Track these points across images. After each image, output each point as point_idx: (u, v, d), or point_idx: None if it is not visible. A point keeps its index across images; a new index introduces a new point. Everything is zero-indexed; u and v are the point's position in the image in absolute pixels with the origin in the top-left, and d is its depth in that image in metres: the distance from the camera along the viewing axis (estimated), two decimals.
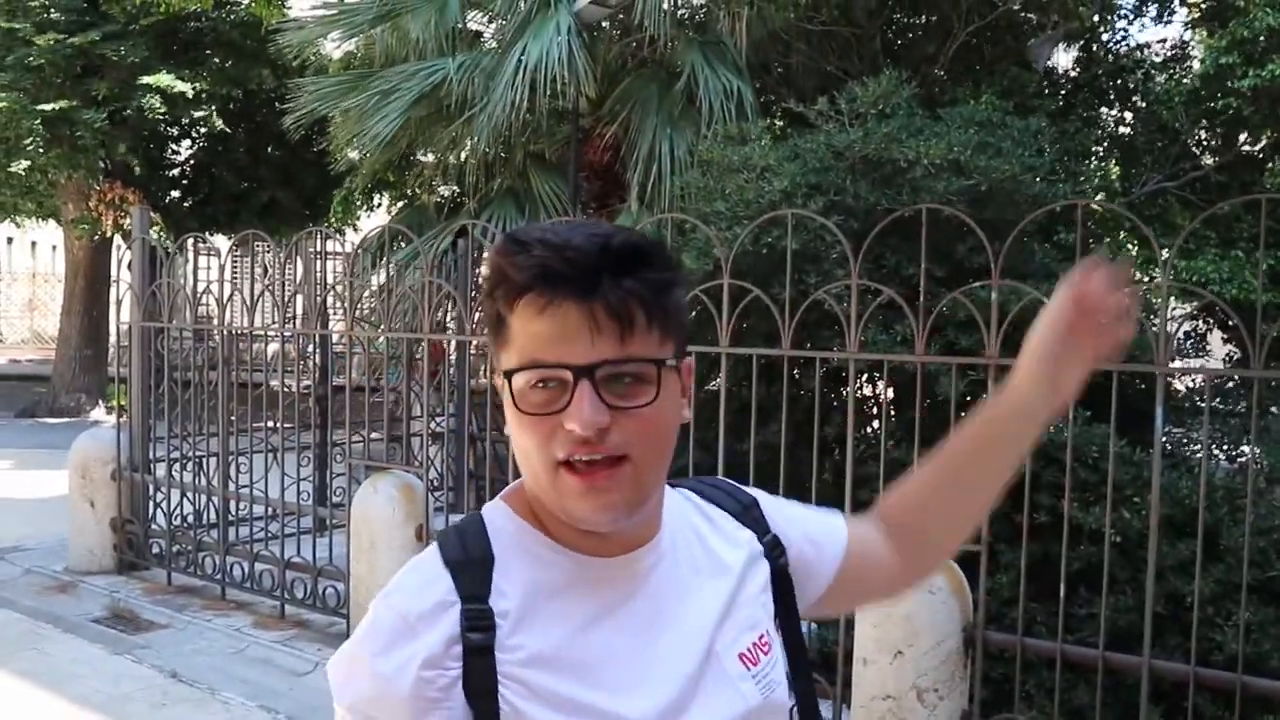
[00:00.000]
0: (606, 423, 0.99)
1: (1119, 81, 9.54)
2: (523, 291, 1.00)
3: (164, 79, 14.17)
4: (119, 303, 7.20)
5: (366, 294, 8.22)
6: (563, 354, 0.99)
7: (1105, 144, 9.58)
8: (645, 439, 1.02)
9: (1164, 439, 4.39)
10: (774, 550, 1.22)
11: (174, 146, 17.92)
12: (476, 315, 5.84)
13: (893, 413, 5.62)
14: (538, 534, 1.08)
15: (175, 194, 17.72)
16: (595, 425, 0.99)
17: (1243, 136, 9.09)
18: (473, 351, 6.82)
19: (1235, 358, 8.47)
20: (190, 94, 14.50)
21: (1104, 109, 9.76)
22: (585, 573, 1.07)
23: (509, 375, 1.02)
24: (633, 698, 1.04)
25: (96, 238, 15.56)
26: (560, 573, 1.06)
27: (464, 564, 1.05)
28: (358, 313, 6.93)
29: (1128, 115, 9.94)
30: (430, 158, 10.82)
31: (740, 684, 1.12)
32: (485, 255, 1.12)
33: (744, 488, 1.28)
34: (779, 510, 1.27)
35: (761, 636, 1.17)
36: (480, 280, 1.09)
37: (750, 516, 1.23)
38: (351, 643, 1.07)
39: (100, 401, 16.40)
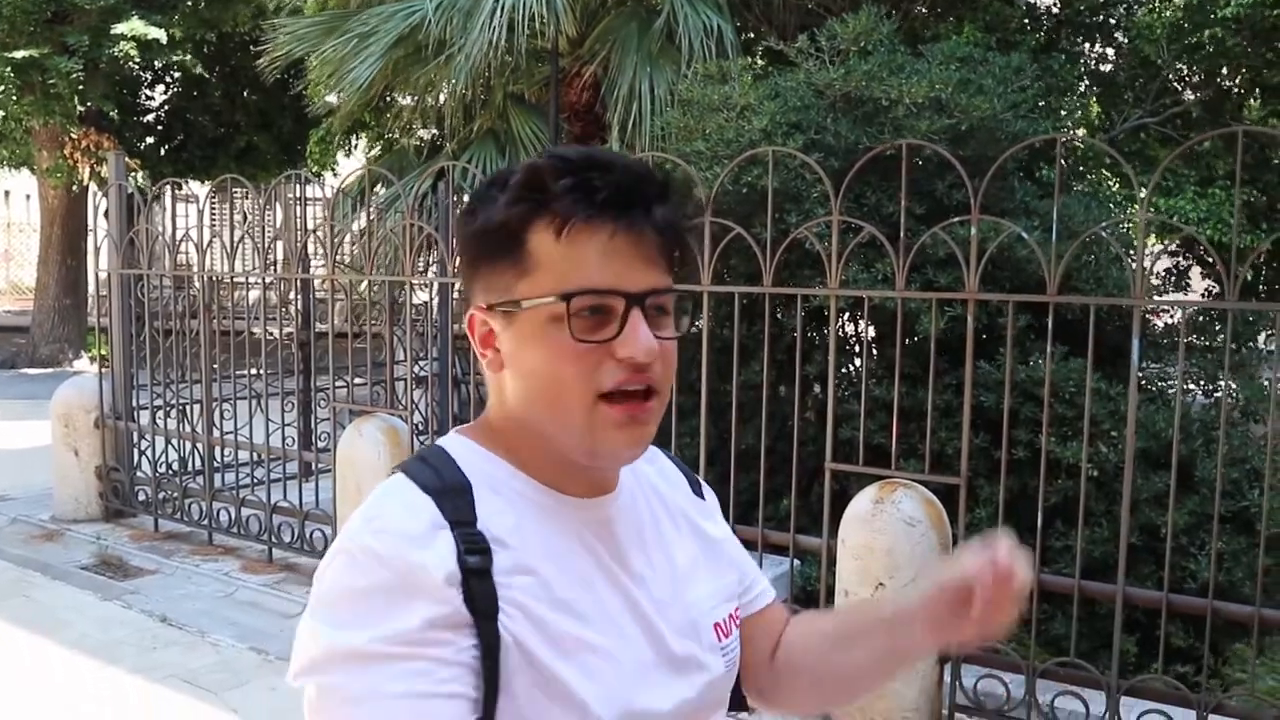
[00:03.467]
0: (658, 350, 0.99)
1: (1101, 16, 9.48)
2: (581, 215, 0.97)
3: (136, 26, 13.93)
4: (97, 251, 7.15)
5: (347, 238, 8.18)
6: (616, 280, 0.97)
7: (1086, 80, 9.54)
8: (669, 372, 1.02)
9: (1140, 374, 4.44)
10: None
11: (148, 92, 17.67)
12: (458, 258, 5.82)
13: (874, 350, 5.65)
14: (510, 467, 1.05)
15: (151, 140, 17.51)
16: (654, 353, 0.98)
17: (1224, 71, 9.07)
18: (455, 295, 6.81)
19: (1214, 293, 8.52)
20: (164, 39, 14.27)
21: (1086, 44, 9.71)
22: (560, 509, 1.04)
23: (567, 299, 0.97)
24: (614, 640, 1.02)
25: (74, 187, 15.39)
26: (535, 507, 1.03)
27: (443, 490, 1.00)
28: (339, 257, 6.89)
29: (1109, 51, 9.89)
30: (409, 100, 10.71)
31: (709, 654, 1.11)
32: (508, 174, 1.03)
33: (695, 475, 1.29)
34: (717, 513, 1.27)
35: (736, 610, 1.18)
36: (502, 198, 1.01)
37: (698, 490, 1.25)
38: (344, 591, 0.96)
39: (81, 351, 16.32)
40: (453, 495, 1.00)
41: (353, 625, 0.93)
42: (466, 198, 7.89)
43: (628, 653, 1.03)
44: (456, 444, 1.07)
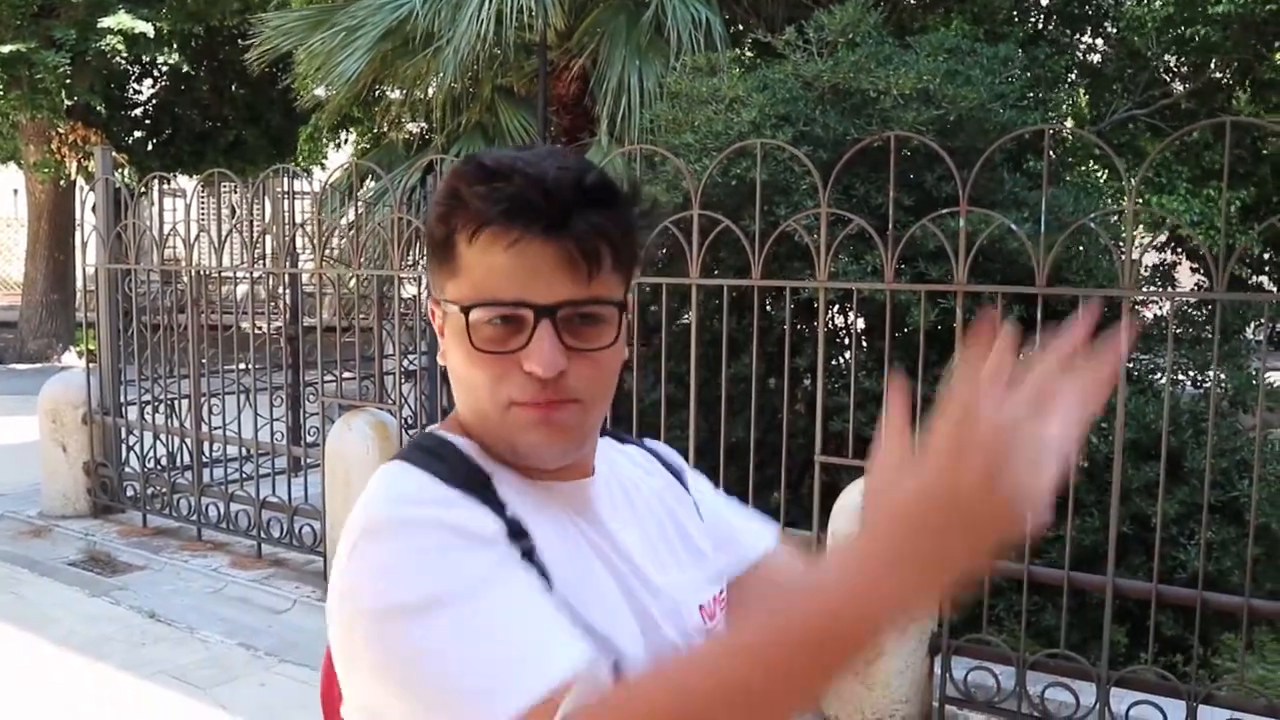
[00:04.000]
0: (565, 365, 0.97)
1: (1090, 8, 9.49)
2: (486, 223, 0.95)
3: (124, 20, 13.85)
4: (84, 245, 7.12)
5: (336, 232, 8.14)
6: (524, 292, 0.96)
7: (1075, 71, 9.54)
8: (597, 382, 1.00)
9: (1130, 365, 4.44)
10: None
11: (136, 86, 17.58)
12: None
13: (864, 343, 5.65)
14: (497, 459, 1.04)
15: (139, 134, 17.42)
16: (556, 368, 0.96)
17: (1213, 63, 9.08)
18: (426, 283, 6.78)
19: (1203, 287, 8.54)
20: (151, 33, 14.19)
21: (1074, 35, 9.71)
22: (550, 496, 1.04)
23: (466, 310, 0.97)
24: (620, 623, 1.02)
25: (62, 181, 15.31)
26: (533, 495, 1.03)
27: (466, 484, 0.98)
28: (327, 251, 6.87)
29: (1099, 42, 9.90)
30: (397, 94, 10.67)
31: (695, 637, 1.10)
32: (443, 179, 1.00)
33: (672, 454, 1.27)
34: (698, 486, 1.25)
35: (721, 592, 1.17)
36: (433, 200, 1.02)
37: (673, 472, 1.24)
38: (401, 567, 0.90)
39: (69, 346, 16.26)
40: (477, 487, 0.98)
41: (419, 576, 0.89)
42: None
43: (624, 633, 1.02)
44: (453, 436, 1.06)
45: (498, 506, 0.98)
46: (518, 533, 0.96)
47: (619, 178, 1.03)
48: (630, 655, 1.01)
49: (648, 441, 1.28)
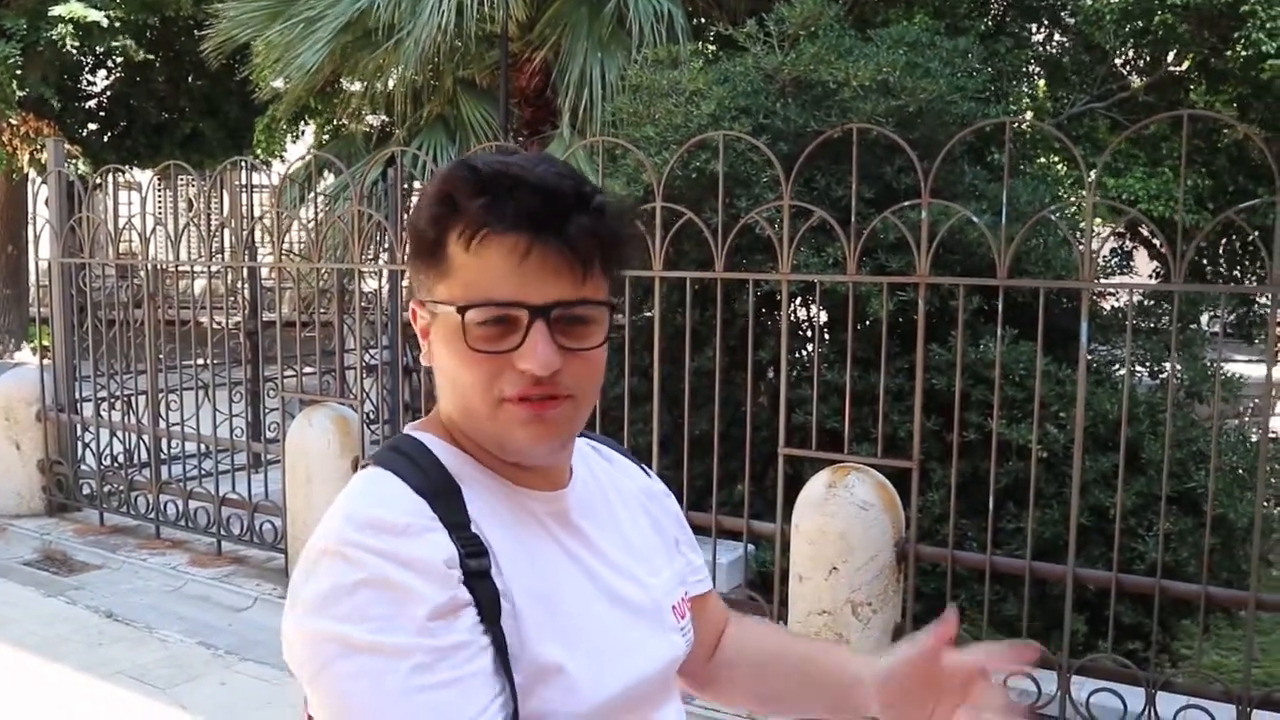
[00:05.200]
0: (560, 364, 0.98)
1: (1045, 1, 9.57)
2: (484, 228, 0.97)
3: (76, 8, 13.61)
4: (37, 239, 7.00)
5: (295, 225, 8.06)
6: (519, 292, 0.97)
7: (1034, 64, 9.63)
8: (588, 380, 1.03)
9: (1089, 356, 4.48)
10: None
11: (90, 77, 17.30)
12: (408, 246, 5.75)
13: (826, 335, 5.67)
14: (475, 462, 1.05)
15: (93, 126, 17.14)
16: (551, 366, 0.98)
17: (1170, 56, 9.19)
18: (405, 283, 6.73)
19: (1160, 275, 8.64)
20: (104, 23, 13.97)
21: (1033, 28, 9.80)
22: (527, 504, 1.06)
23: (462, 310, 0.98)
24: (595, 627, 1.04)
25: (14, 175, 15.05)
26: (509, 504, 1.04)
27: (434, 491, 0.99)
28: (286, 245, 6.79)
29: (1057, 35, 9.99)
30: (358, 86, 10.58)
31: (672, 634, 1.14)
32: (430, 180, 1.05)
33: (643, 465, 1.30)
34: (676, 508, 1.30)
35: (685, 594, 1.21)
36: (423, 203, 1.03)
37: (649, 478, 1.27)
38: (339, 596, 0.93)
39: (23, 342, 16.00)
40: (445, 497, 1.00)
41: (360, 621, 0.91)
42: (417, 184, 7.83)
43: (603, 638, 1.04)
44: (428, 440, 1.06)
45: (461, 523, 0.98)
46: (475, 553, 0.96)
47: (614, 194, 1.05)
48: (605, 658, 1.03)
49: (620, 447, 1.30)
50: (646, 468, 1.29)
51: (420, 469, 1.01)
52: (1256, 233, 4.20)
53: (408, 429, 1.10)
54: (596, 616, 1.05)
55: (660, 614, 1.13)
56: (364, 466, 1.05)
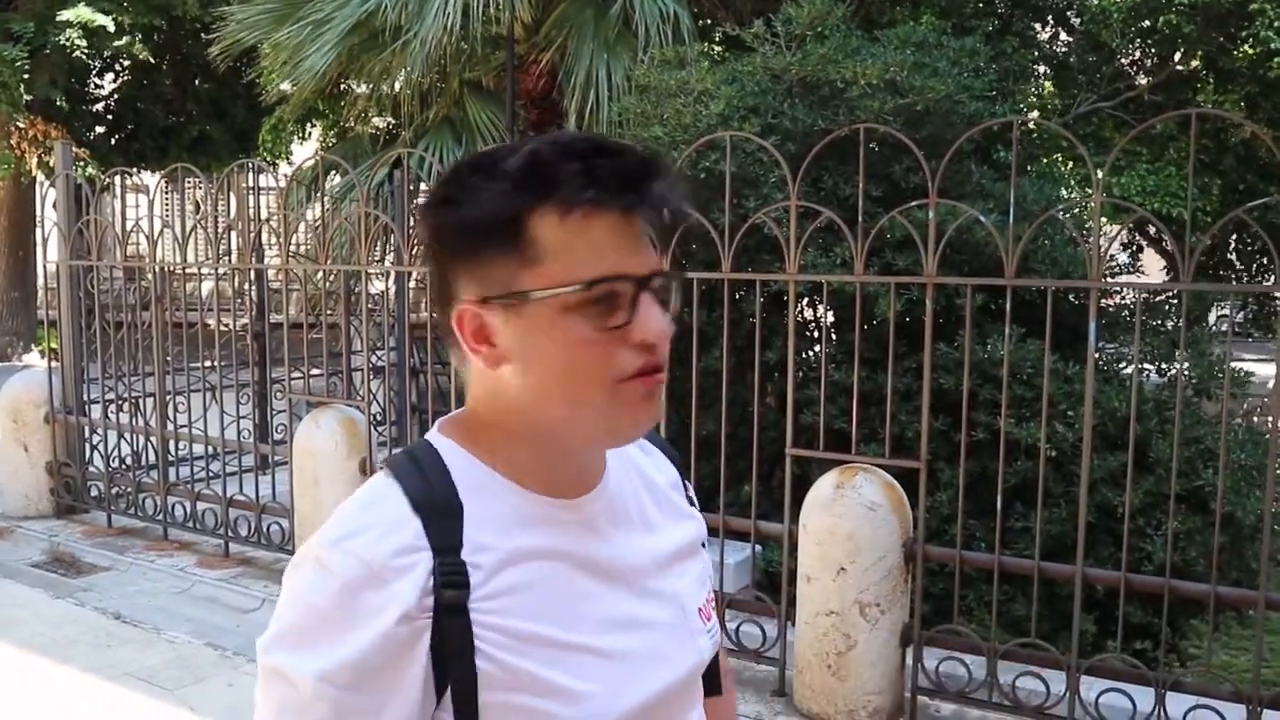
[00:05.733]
0: (670, 329, 0.97)
1: (1052, 0, 9.55)
2: (578, 200, 0.93)
3: (83, 12, 13.65)
4: (45, 242, 7.02)
5: (302, 227, 8.08)
6: (625, 264, 0.95)
7: (1041, 64, 9.61)
8: (669, 351, 1.00)
9: (1096, 354, 4.47)
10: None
11: (97, 81, 17.36)
12: (415, 247, 5.76)
13: (833, 335, 5.66)
14: (500, 476, 1.01)
15: (101, 129, 17.21)
16: (668, 334, 0.97)
17: (1177, 56, 9.17)
18: (412, 284, 6.74)
19: (1168, 275, 8.61)
20: (111, 26, 14.00)
21: (1040, 27, 9.78)
22: (549, 515, 1.02)
23: (591, 286, 0.93)
24: (610, 638, 1.01)
25: (22, 178, 15.09)
26: (525, 516, 1.01)
27: (433, 509, 0.96)
28: (293, 247, 6.81)
29: (1063, 35, 9.97)
30: (364, 88, 10.59)
31: (699, 638, 1.11)
32: (495, 160, 0.98)
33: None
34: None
35: (710, 595, 1.18)
36: (493, 187, 0.96)
37: (683, 474, 1.24)
38: (300, 603, 0.95)
39: (31, 345, 16.04)
40: (442, 517, 0.97)
41: (296, 643, 0.94)
42: (424, 186, 7.82)
43: (619, 645, 1.02)
44: (446, 447, 1.03)
45: (451, 548, 0.96)
46: (454, 584, 0.94)
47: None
48: (627, 660, 1.01)
49: (655, 435, 1.26)
50: (680, 463, 1.25)
51: (428, 483, 0.99)
52: (1267, 231, 4.19)
53: (432, 433, 1.06)
54: (616, 630, 1.02)
55: (686, 619, 1.10)
56: (380, 468, 1.03)
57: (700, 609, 1.13)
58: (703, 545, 1.22)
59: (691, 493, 1.24)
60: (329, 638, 0.92)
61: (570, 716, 0.96)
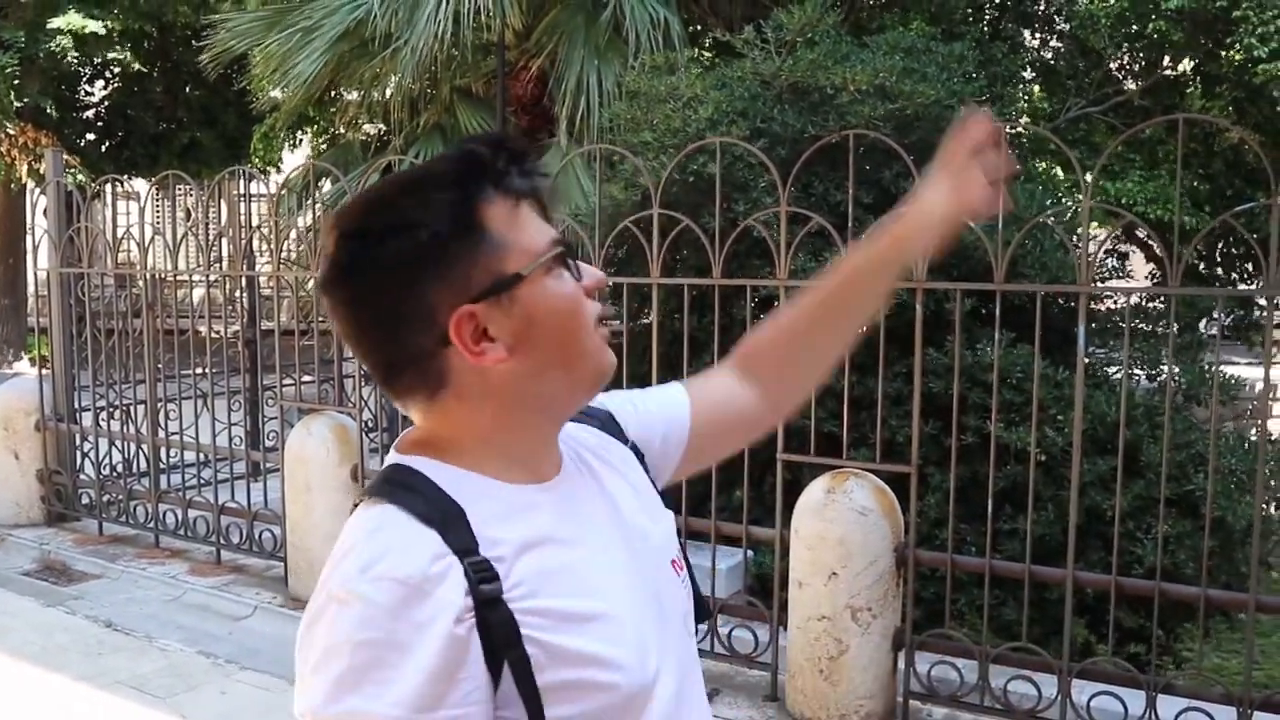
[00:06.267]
0: None
1: (1042, 4, 9.59)
2: (517, 187, 1.05)
3: (74, 19, 13.64)
4: (35, 249, 7.00)
5: (293, 234, 8.08)
6: (548, 234, 1.07)
7: (1030, 69, 9.65)
8: None
9: (1086, 359, 4.49)
10: (636, 455, 1.26)
11: (88, 88, 17.32)
12: None
13: None
14: (477, 476, 1.05)
15: (91, 137, 17.16)
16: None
17: (1165, 61, 9.21)
18: None
19: (1157, 280, 8.65)
20: (102, 33, 13.99)
21: (1028, 33, 9.82)
22: (536, 499, 1.06)
23: (559, 247, 1.06)
24: (622, 602, 1.05)
25: (12, 185, 15.05)
26: (517, 506, 1.05)
27: (439, 517, 0.98)
28: (284, 253, 6.80)
29: (1052, 40, 10.01)
30: (354, 95, 10.59)
31: (679, 589, 1.18)
32: (433, 173, 1.06)
33: (595, 404, 1.27)
34: (627, 415, 1.29)
35: (679, 548, 1.23)
36: (446, 201, 1.01)
37: (610, 430, 1.26)
38: (346, 646, 0.93)
39: (22, 352, 15.99)
40: (451, 522, 0.99)
41: (361, 684, 0.92)
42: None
43: (633, 608, 1.06)
44: (421, 464, 1.05)
45: (470, 548, 0.97)
46: (486, 578, 0.96)
47: None
48: (639, 620, 1.06)
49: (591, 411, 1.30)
50: (609, 413, 1.28)
51: (423, 497, 1.00)
52: (1254, 236, 4.21)
53: (394, 456, 1.08)
54: (627, 591, 1.07)
55: (666, 569, 1.17)
56: (361, 501, 1.03)
57: (673, 561, 1.19)
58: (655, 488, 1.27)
59: (629, 434, 1.27)
60: (395, 666, 0.92)
61: (618, 680, 1.00)
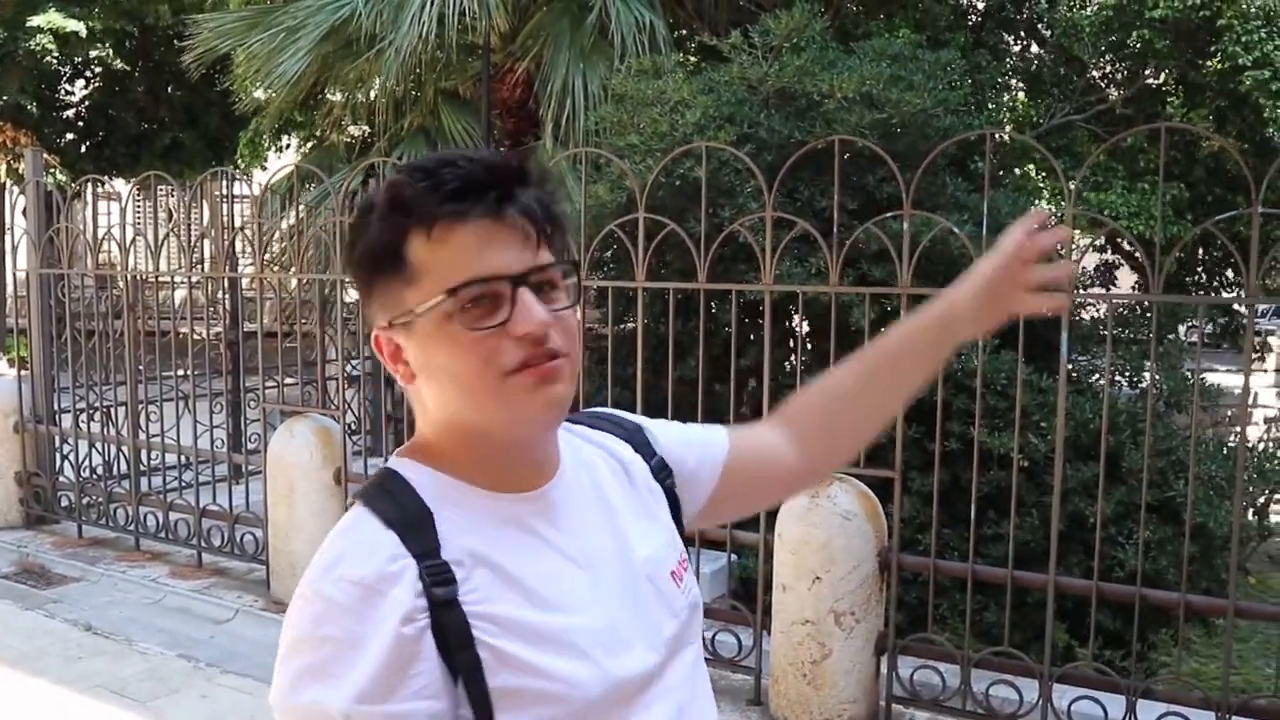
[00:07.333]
0: (552, 320, 1.02)
1: (1025, 13, 9.64)
2: (441, 212, 1.00)
3: (54, 18, 13.56)
4: (14, 250, 6.95)
5: (276, 236, 8.04)
6: (494, 265, 1.00)
7: (1014, 77, 9.70)
8: (572, 340, 1.05)
9: (1070, 366, 4.51)
10: (662, 473, 1.26)
11: (68, 87, 17.21)
12: None
13: (809, 345, 5.68)
14: (458, 483, 1.07)
15: (71, 136, 17.05)
16: (547, 323, 1.01)
17: (1147, 71, 9.27)
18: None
19: (1140, 287, 8.70)
20: (83, 32, 13.91)
21: (1012, 40, 9.87)
22: (510, 510, 1.07)
23: (451, 292, 1.00)
24: (588, 616, 1.05)
25: None
26: (489, 515, 1.06)
27: (405, 521, 1.02)
28: (267, 255, 6.77)
29: (1035, 48, 10.06)
30: (339, 96, 10.56)
31: (674, 601, 1.16)
32: (365, 200, 1.08)
33: (629, 415, 1.30)
34: (662, 432, 1.30)
35: (682, 557, 1.22)
36: (372, 219, 1.04)
37: (637, 441, 1.26)
38: (310, 639, 0.98)
39: (0, 354, 15.88)
40: (415, 526, 1.02)
41: (322, 677, 0.97)
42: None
43: (601, 624, 1.06)
44: (405, 467, 1.09)
45: (431, 551, 1.00)
46: (442, 581, 0.99)
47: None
48: (606, 637, 1.05)
49: (601, 411, 1.32)
50: (635, 424, 1.29)
51: (396, 502, 1.04)
52: (1235, 243, 4.24)
53: (392, 459, 1.12)
54: (592, 607, 1.07)
55: (660, 585, 1.15)
56: (351, 504, 1.08)
57: (673, 572, 1.18)
58: (675, 509, 1.26)
59: (659, 449, 1.28)
60: (349, 662, 0.96)
61: (567, 694, 1.01)
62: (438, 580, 0.99)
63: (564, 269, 1.05)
